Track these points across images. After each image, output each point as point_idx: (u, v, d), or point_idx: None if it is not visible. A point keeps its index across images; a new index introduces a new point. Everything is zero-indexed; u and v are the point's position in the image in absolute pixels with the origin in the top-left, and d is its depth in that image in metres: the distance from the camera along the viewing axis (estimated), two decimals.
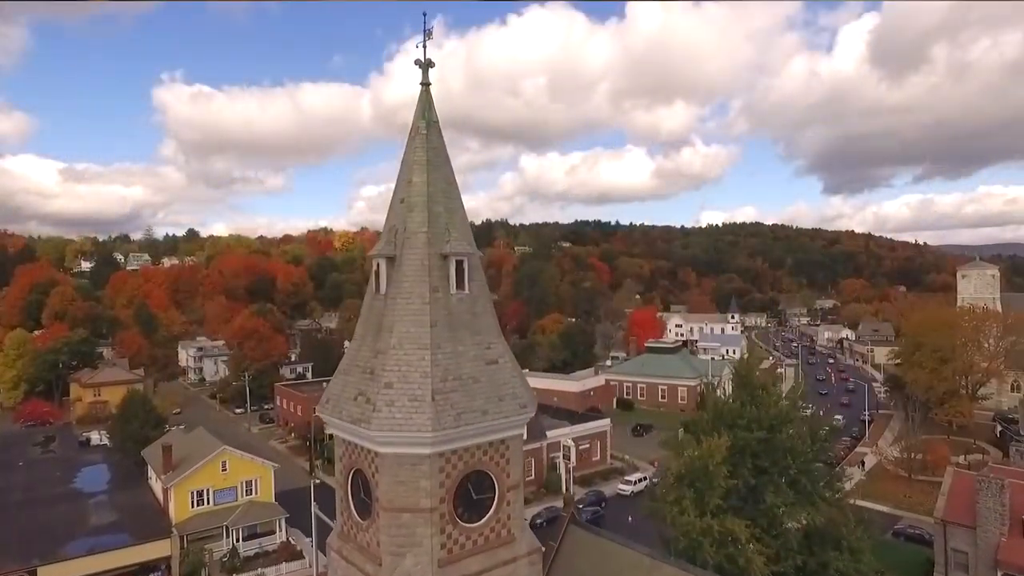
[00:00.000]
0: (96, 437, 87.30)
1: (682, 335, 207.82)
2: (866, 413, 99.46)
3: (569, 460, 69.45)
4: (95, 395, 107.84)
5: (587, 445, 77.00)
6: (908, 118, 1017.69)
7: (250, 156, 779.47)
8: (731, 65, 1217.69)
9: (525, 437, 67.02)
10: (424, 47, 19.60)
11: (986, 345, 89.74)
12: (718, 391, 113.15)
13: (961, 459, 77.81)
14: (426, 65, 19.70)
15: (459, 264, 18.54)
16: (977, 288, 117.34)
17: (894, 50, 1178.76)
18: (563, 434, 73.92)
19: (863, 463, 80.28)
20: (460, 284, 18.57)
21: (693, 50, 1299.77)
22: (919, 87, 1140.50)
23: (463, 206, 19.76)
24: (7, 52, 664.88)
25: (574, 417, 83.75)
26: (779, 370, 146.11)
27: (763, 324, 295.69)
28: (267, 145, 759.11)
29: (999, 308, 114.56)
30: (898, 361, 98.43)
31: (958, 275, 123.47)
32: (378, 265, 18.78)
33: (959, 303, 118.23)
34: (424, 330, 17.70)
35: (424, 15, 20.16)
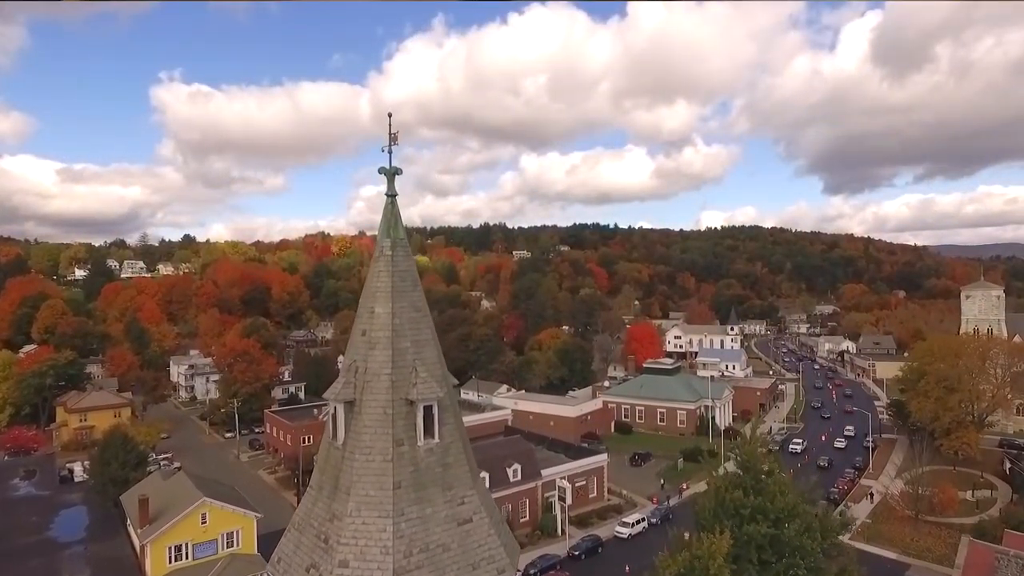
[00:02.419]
0: (79, 470, 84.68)
1: (681, 347, 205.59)
2: (869, 439, 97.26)
3: (565, 501, 66.99)
4: (81, 420, 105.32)
5: (583, 482, 74.67)
6: (910, 117, 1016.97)
7: (249, 156, 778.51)
8: (733, 64, 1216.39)
9: (520, 477, 63.36)
10: (390, 151, 17.26)
11: (992, 373, 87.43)
12: (717, 414, 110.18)
13: (969, 495, 75.76)
14: (392, 174, 17.36)
15: (428, 409, 16.23)
16: (982, 309, 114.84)
17: (897, 49, 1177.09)
18: (559, 472, 71.50)
19: (871, 495, 78.00)
20: (429, 432, 16.28)
21: (695, 49, 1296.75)
22: (921, 86, 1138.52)
23: (434, 336, 17.41)
24: (5, 52, 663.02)
25: (570, 450, 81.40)
26: (780, 387, 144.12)
27: (762, 332, 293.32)
28: (266, 145, 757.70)
29: (1004, 330, 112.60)
30: (902, 387, 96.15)
31: (962, 295, 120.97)
32: (335, 410, 16.47)
33: (963, 324, 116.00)
34: (386, 494, 15.40)
35: (389, 115, 17.83)
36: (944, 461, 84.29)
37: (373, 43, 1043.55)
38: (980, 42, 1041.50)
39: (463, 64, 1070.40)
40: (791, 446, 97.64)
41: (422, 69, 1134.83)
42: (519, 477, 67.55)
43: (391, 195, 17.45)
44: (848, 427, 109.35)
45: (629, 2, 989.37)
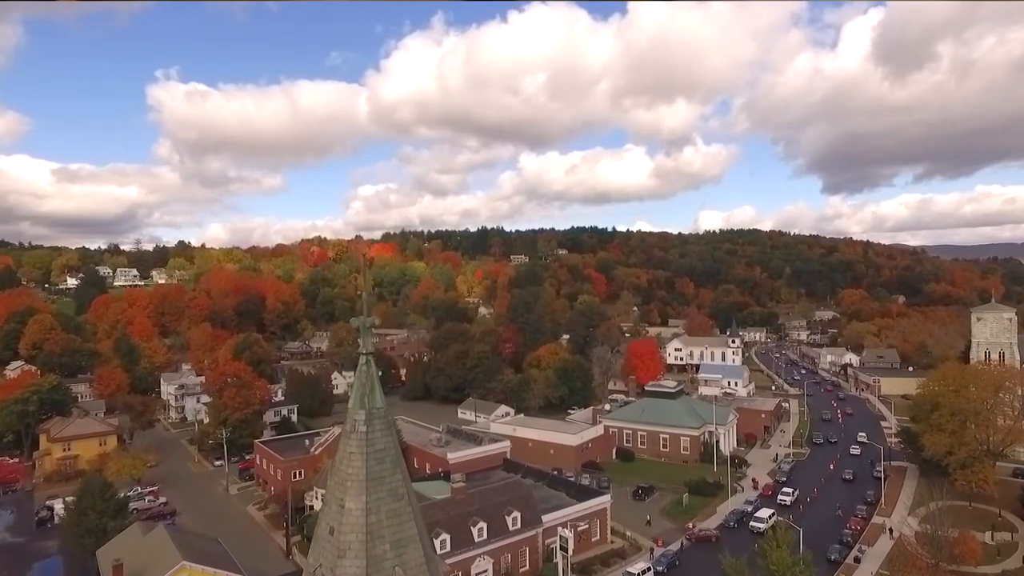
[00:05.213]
0: (60, 508, 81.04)
1: (681, 359, 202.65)
2: (879, 468, 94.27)
3: (567, 552, 63.67)
4: (65, 449, 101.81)
5: (586, 525, 71.40)
6: (911, 116, 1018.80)
7: (246, 156, 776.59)
8: (734, 63, 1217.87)
9: (520, 525, 59.15)
10: (364, 302, 13.99)
11: (1009, 403, 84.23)
12: (721, 439, 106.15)
13: (988, 537, 72.70)
14: (368, 327, 14.02)
15: None
16: (993, 332, 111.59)
17: (898, 47, 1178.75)
18: (560, 517, 68.24)
19: (890, 531, 74.92)
20: None
21: (696, 47, 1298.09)
22: (922, 85, 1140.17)
23: (421, 527, 13.97)
24: (1, 51, 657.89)
25: (571, 488, 78.21)
26: (784, 405, 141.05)
27: (763, 339, 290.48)
28: (263, 144, 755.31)
29: (1016, 353, 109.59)
30: (912, 416, 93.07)
31: (972, 317, 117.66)
32: None
33: (974, 348, 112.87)
34: None
35: (363, 256, 14.70)
36: (959, 496, 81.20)
37: (371, 41, 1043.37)
38: (982, 41, 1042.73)
39: (462, 63, 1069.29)
40: (780, 497, 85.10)
41: (421, 68, 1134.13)
42: (519, 525, 64.29)
43: (366, 353, 14.06)
44: (855, 445, 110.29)
45: (630, 0, 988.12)
